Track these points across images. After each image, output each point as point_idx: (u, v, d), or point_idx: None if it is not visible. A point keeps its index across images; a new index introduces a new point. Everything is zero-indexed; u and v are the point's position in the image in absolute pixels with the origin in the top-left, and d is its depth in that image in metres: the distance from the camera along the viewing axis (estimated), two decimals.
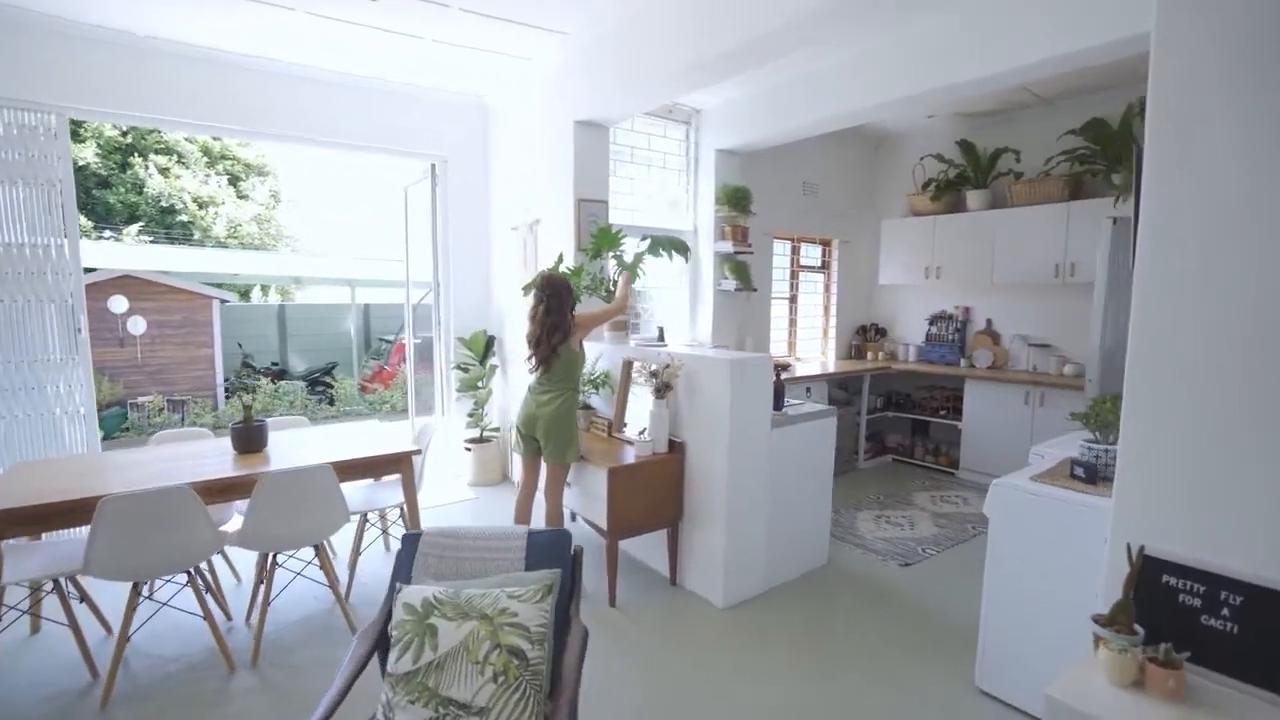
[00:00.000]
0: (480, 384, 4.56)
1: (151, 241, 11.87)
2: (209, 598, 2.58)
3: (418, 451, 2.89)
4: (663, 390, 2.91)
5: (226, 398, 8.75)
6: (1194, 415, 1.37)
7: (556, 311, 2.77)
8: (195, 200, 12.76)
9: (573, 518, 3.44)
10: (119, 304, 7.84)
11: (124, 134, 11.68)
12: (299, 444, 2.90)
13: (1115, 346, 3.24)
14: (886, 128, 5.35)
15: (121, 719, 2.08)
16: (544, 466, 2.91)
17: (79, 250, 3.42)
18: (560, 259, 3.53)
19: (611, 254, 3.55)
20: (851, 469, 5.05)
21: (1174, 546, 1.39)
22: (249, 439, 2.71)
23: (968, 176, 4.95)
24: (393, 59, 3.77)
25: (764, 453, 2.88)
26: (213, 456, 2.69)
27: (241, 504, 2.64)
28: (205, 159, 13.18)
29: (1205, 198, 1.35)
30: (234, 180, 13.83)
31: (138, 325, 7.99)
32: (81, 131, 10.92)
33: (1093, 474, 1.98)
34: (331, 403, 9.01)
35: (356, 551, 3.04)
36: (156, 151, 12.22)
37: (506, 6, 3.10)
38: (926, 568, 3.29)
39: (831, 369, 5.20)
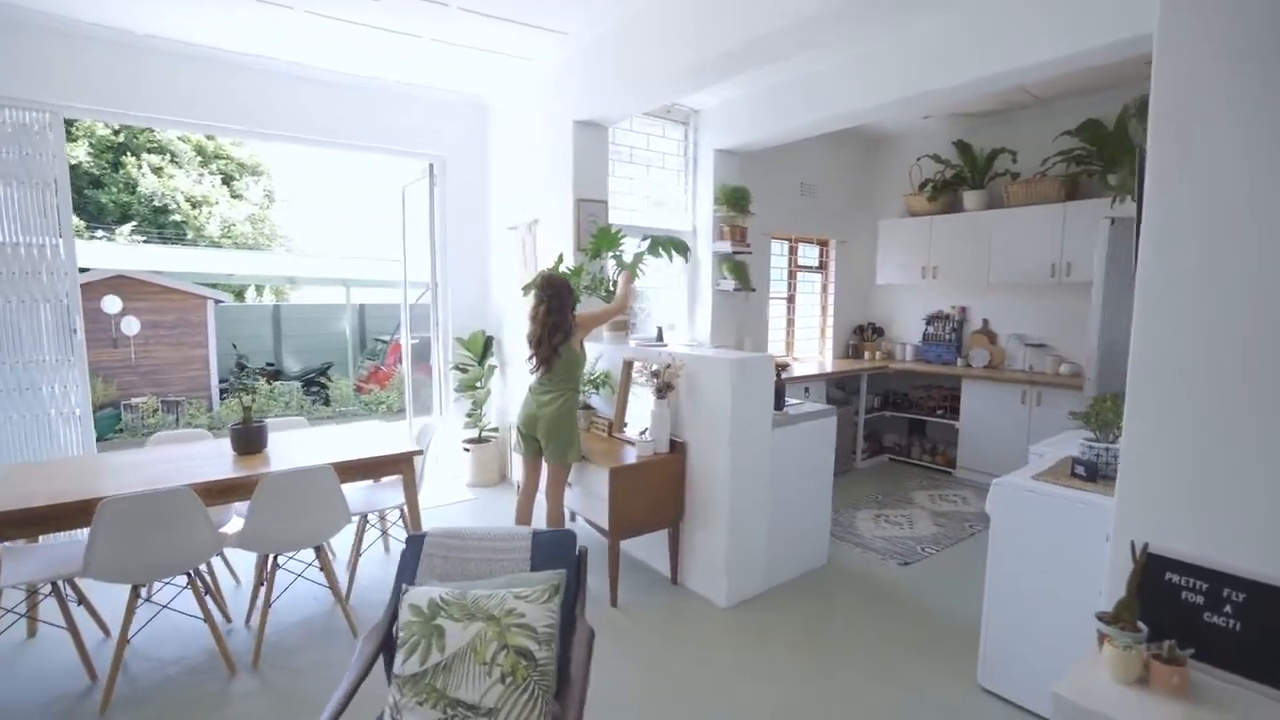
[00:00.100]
0: (478, 384, 4.55)
1: (145, 241, 11.79)
2: (208, 600, 2.56)
3: (419, 452, 2.89)
4: (664, 390, 2.91)
5: (222, 398, 8.70)
6: (1195, 414, 1.39)
7: (557, 312, 2.77)
8: (188, 200, 12.69)
9: (572, 518, 3.44)
10: (112, 304, 7.78)
11: (116, 133, 11.60)
12: (298, 445, 2.88)
13: (1113, 346, 3.26)
14: (883, 128, 5.37)
15: None
16: (545, 467, 2.91)
17: (74, 250, 3.39)
18: (560, 259, 3.53)
19: (611, 254, 3.55)
20: (849, 468, 5.07)
21: (1176, 544, 1.41)
22: (249, 440, 2.69)
23: (964, 177, 4.98)
24: (392, 58, 3.76)
25: (765, 452, 2.88)
26: (212, 458, 2.68)
27: (240, 506, 2.63)
28: (199, 158, 13.10)
29: (1205, 198, 1.36)
30: (228, 180, 13.76)
31: (131, 326, 7.94)
32: (73, 130, 10.84)
33: (1093, 472, 2.00)
34: (327, 403, 8.98)
35: (357, 553, 3.03)
36: (149, 151, 12.15)
37: (506, 6, 3.09)
38: (926, 566, 3.31)
39: (829, 369, 5.21)
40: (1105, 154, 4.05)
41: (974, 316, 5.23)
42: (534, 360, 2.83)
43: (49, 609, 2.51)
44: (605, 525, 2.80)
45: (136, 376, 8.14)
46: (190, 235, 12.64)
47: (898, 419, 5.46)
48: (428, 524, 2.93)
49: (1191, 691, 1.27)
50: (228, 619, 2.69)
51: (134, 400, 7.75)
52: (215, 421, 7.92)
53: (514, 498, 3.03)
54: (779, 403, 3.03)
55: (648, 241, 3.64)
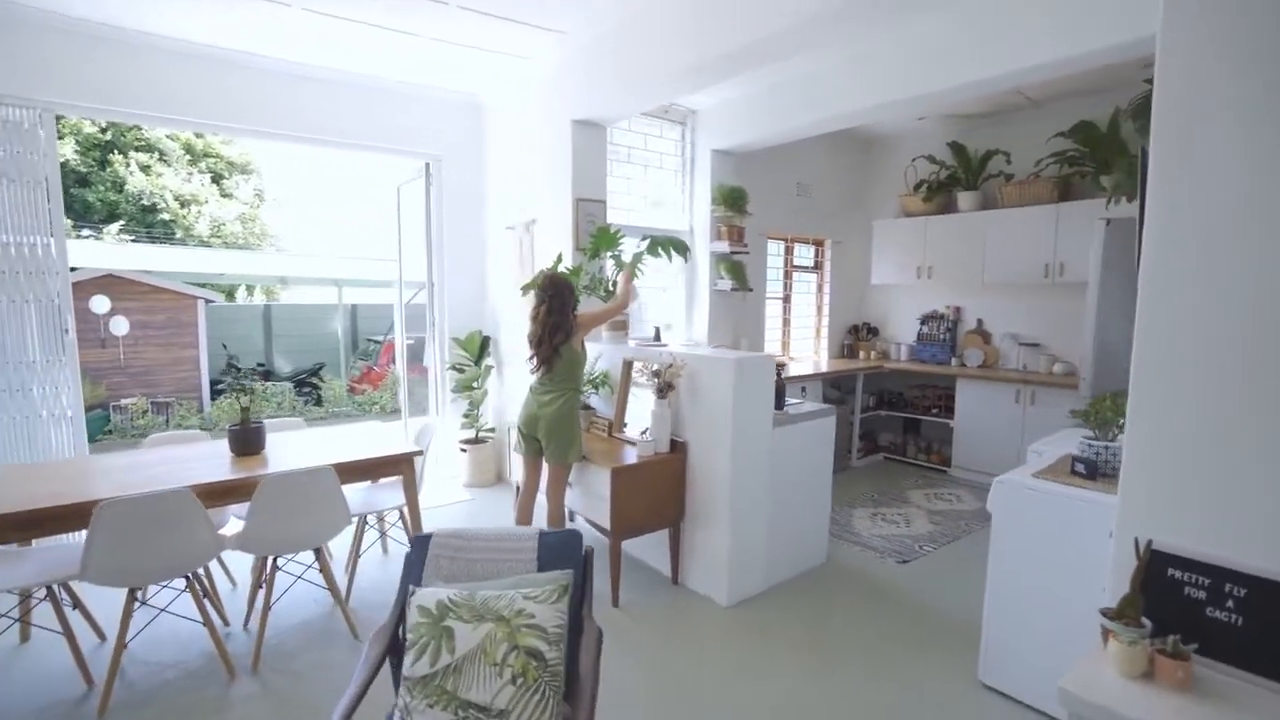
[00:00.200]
0: (475, 385, 4.53)
1: (133, 240, 11.64)
2: (206, 603, 2.54)
3: (420, 452, 2.87)
4: (665, 390, 2.91)
5: (213, 399, 8.60)
6: (1197, 412, 1.40)
7: (558, 311, 2.77)
8: (177, 198, 12.54)
9: (571, 518, 3.43)
10: (101, 304, 7.68)
11: (103, 130, 11.45)
12: (296, 446, 2.86)
13: (1108, 346, 3.30)
14: (878, 129, 5.40)
15: None
16: (546, 467, 2.91)
17: (65, 249, 3.35)
18: (559, 259, 3.52)
19: (610, 254, 3.54)
20: (845, 467, 5.09)
21: (1179, 540, 1.42)
22: (247, 441, 2.66)
23: (959, 178, 5.02)
24: (389, 57, 3.73)
25: (765, 452, 2.89)
26: (209, 459, 2.65)
27: (237, 508, 2.60)
28: (187, 157, 12.95)
29: (1206, 198, 1.38)
30: (217, 178, 13.61)
31: (120, 326, 7.84)
32: (60, 128, 10.64)
33: (1093, 470, 2.02)
34: (319, 404, 8.91)
35: (356, 555, 3.01)
36: (137, 148, 12.00)
37: (506, 5, 3.08)
38: (924, 565, 3.33)
39: (824, 368, 5.24)
40: (1098, 156, 4.09)
41: (968, 316, 5.27)
42: (535, 360, 2.83)
43: (42, 613, 2.47)
44: (606, 525, 2.79)
45: (126, 377, 8.04)
46: (179, 234, 12.50)
47: (893, 418, 5.49)
48: (426, 525, 2.92)
49: (1195, 685, 1.29)
50: (226, 622, 2.67)
51: (123, 401, 7.65)
52: (206, 423, 7.84)
53: (511, 498, 3.02)
54: (779, 402, 3.04)
55: (647, 241, 3.64)
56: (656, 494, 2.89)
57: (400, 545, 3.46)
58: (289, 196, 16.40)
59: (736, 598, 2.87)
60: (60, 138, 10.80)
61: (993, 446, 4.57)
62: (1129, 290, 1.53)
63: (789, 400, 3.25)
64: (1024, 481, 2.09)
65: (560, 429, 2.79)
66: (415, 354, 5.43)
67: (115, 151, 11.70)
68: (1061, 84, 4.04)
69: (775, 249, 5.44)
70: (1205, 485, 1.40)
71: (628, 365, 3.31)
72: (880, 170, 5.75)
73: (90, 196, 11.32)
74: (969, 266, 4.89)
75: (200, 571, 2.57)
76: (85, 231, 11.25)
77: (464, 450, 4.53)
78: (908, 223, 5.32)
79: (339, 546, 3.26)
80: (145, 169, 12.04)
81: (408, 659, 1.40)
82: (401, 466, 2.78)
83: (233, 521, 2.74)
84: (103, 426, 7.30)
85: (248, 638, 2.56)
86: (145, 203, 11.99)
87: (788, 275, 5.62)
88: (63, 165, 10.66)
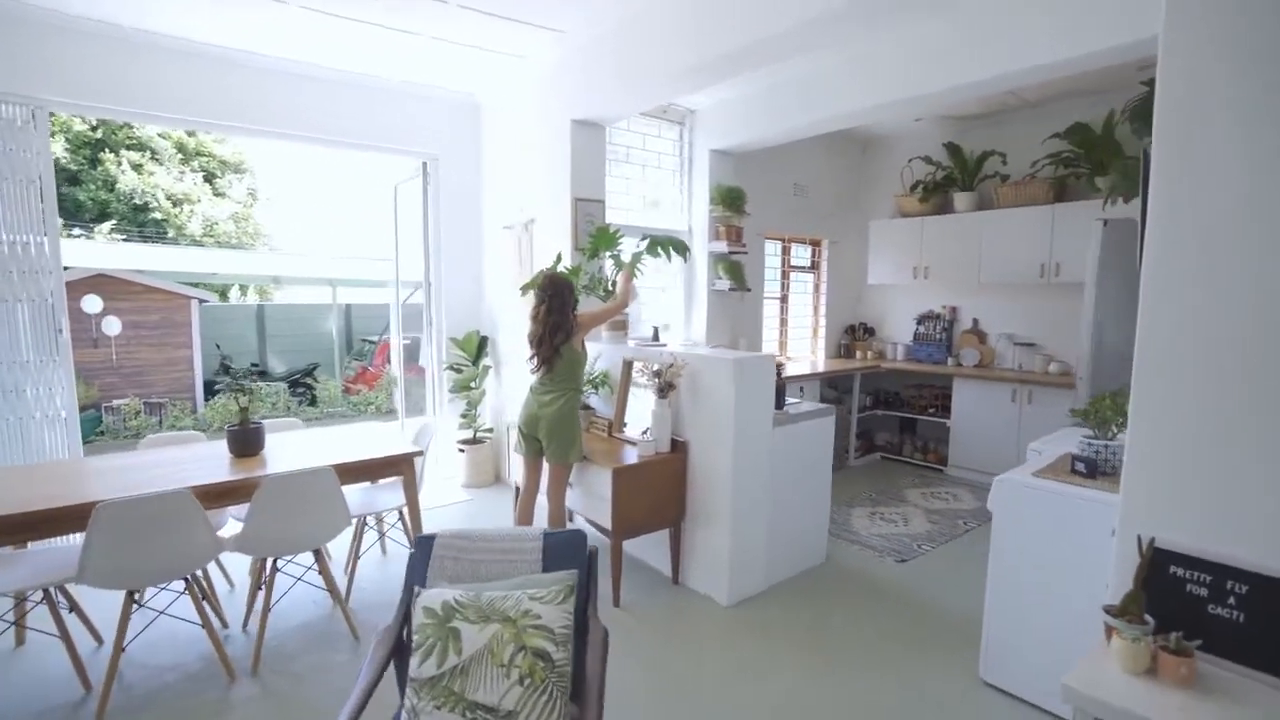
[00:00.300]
0: (473, 385, 4.52)
1: (124, 240, 11.54)
2: (205, 605, 2.52)
3: (420, 453, 2.86)
4: (665, 390, 2.92)
5: (207, 399, 8.54)
6: (1198, 412, 1.42)
7: (559, 311, 2.76)
8: (169, 197, 12.44)
9: (571, 518, 3.43)
10: (93, 304, 7.61)
11: (94, 129, 11.35)
12: (294, 447, 2.84)
13: (1105, 346, 3.32)
14: (875, 130, 5.42)
15: None
16: (546, 467, 2.90)
17: (59, 248, 3.32)
18: (559, 258, 3.52)
19: (609, 254, 3.54)
20: (843, 466, 5.11)
21: (1180, 538, 1.44)
22: (246, 442, 2.65)
23: (955, 179, 5.04)
24: (387, 55, 3.72)
25: (766, 451, 2.90)
26: (207, 460, 2.63)
27: (236, 509, 2.59)
28: (179, 155, 12.85)
29: (1207, 198, 1.39)
30: (209, 177, 13.51)
31: (112, 326, 7.77)
32: (49, 125, 10.58)
33: (1093, 469, 2.03)
34: (314, 404, 8.86)
35: (355, 556, 2.99)
36: (128, 147, 11.89)
37: (504, 4, 3.07)
38: (923, 563, 3.35)
39: (821, 368, 5.25)
40: (1093, 157, 4.12)
41: (964, 316, 5.30)
42: (535, 360, 2.82)
43: (38, 617, 2.45)
44: (607, 525, 2.79)
45: (118, 378, 7.97)
46: (171, 234, 12.40)
47: (889, 418, 5.52)
48: (425, 526, 2.91)
49: (1198, 681, 1.30)
50: (225, 624, 2.65)
51: (116, 402, 7.58)
52: (200, 423, 7.78)
53: (510, 498, 3.01)
54: (779, 402, 3.05)
55: (647, 241, 3.65)
56: (657, 494, 2.89)
57: (399, 546, 3.45)
58: (283, 195, 16.32)
59: (737, 597, 2.88)
60: (50, 135, 10.70)
61: (989, 446, 4.60)
62: (1126, 290, 1.54)
63: (788, 400, 3.26)
64: (1024, 480, 2.10)
65: (561, 429, 2.78)
66: (412, 354, 5.40)
67: (106, 150, 11.59)
68: (1057, 85, 4.07)
69: (772, 249, 5.45)
70: (1206, 483, 1.41)
71: (628, 365, 3.31)
72: (877, 171, 5.77)
73: (81, 195, 11.22)
74: (965, 267, 4.91)
75: (199, 573, 2.56)
76: (76, 231, 11.14)
77: (462, 451, 4.52)
78: (904, 223, 5.34)
79: (338, 547, 3.24)
80: (137, 168, 11.94)
81: (414, 660, 1.39)
82: (402, 467, 2.77)
83: (230, 523, 2.72)
84: (95, 427, 7.23)
85: (247, 640, 2.55)
86: (137, 202, 11.89)
87: (785, 275, 5.63)
88: (54, 163, 10.63)
